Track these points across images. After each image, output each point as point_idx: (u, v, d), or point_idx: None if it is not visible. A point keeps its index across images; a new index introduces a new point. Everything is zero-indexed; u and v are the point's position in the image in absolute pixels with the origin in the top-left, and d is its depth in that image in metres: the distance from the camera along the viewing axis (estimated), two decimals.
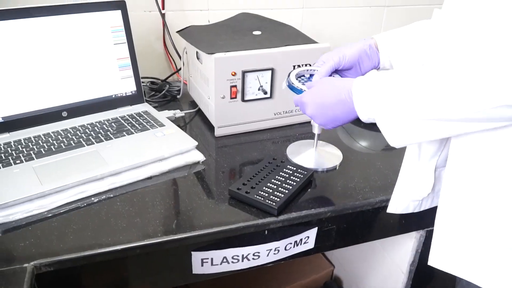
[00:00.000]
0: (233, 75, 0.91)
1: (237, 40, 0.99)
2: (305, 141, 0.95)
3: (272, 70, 0.94)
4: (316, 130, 0.84)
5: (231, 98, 0.94)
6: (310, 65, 0.85)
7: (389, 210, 0.75)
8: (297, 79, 0.80)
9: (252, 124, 0.99)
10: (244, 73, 0.92)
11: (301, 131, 1.01)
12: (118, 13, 0.98)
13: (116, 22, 0.99)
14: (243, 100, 0.95)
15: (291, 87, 0.79)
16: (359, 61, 0.80)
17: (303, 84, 0.79)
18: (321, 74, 0.78)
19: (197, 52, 1.01)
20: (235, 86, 0.93)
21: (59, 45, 0.93)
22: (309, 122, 0.85)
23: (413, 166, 0.70)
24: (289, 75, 0.81)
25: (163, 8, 1.20)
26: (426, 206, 0.73)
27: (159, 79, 1.24)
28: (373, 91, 0.60)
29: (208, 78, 0.96)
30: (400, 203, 0.74)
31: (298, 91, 0.77)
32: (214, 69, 0.90)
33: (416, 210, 0.74)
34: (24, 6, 0.88)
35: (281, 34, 1.04)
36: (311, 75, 0.82)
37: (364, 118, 0.63)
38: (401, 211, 0.74)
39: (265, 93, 0.97)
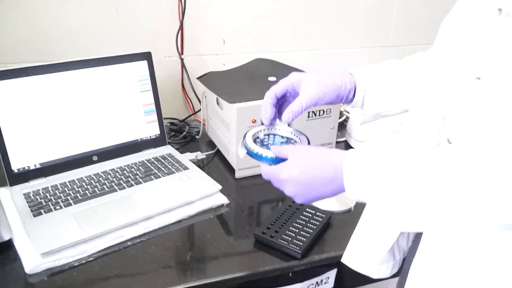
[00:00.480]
0: (253, 122, 0.98)
1: (255, 88, 1.06)
2: None
3: None
4: None
5: None
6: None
7: (343, 259, 0.75)
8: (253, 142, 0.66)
9: None
10: None
11: None
12: (144, 63, 1.06)
13: (142, 72, 1.06)
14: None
15: (253, 154, 0.64)
16: (333, 102, 0.73)
17: (267, 148, 0.65)
18: (296, 111, 0.68)
19: (217, 98, 1.08)
20: None
21: (91, 95, 1.00)
22: None
23: (376, 224, 0.72)
24: (244, 138, 0.67)
25: (182, 53, 1.28)
26: (386, 274, 0.73)
27: (177, 119, 1.31)
28: (367, 175, 0.54)
29: (229, 124, 1.03)
30: (355, 257, 0.73)
31: (265, 160, 0.63)
32: (236, 117, 0.97)
33: (373, 276, 0.72)
34: (61, 61, 0.95)
35: None
36: (267, 135, 0.72)
37: (354, 199, 0.57)
38: (353, 267, 0.73)
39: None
